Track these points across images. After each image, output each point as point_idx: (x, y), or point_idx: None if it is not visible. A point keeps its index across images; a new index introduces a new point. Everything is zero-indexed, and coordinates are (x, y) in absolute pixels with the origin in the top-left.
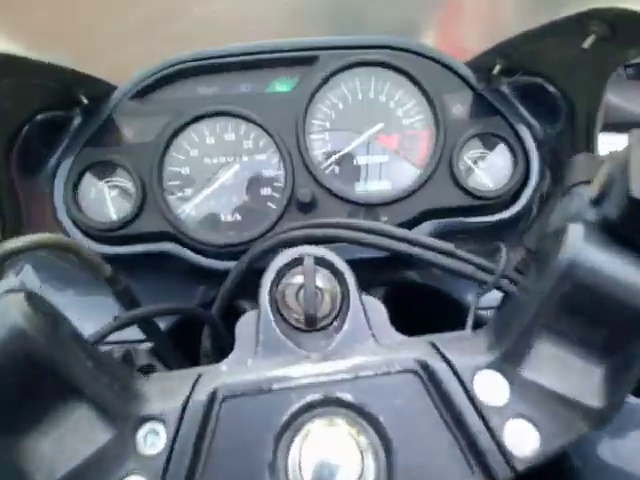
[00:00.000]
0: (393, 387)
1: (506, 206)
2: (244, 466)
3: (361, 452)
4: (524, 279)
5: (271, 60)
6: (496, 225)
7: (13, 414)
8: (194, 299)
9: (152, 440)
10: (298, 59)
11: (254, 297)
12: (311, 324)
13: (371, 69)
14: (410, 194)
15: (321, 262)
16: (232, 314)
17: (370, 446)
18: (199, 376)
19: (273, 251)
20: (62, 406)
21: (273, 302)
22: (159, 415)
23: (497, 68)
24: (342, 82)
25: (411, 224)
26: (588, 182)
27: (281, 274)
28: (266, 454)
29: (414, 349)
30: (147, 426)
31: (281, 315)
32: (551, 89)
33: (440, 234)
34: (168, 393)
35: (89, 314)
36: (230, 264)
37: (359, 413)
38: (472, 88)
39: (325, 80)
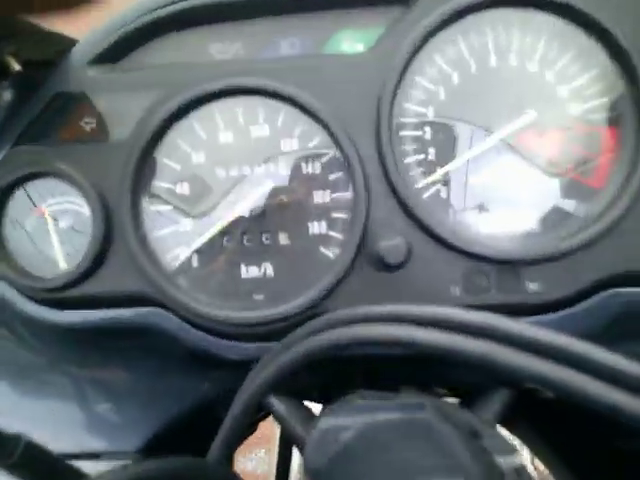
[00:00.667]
0: None
1: None
2: None
3: None
4: None
5: None
6: None
7: None
8: (192, 395)
9: None
10: None
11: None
12: None
13: (513, 12)
14: (583, 246)
15: None
16: None
17: None
18: None
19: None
20: None
21: None
22: None
23: None
24: (460, 36)
25: (578, 298)
26: None
27: None
28: None
29: None
30: None
31: None
32: None
33: (621, 316)
34: None
35: None
36: (250, 349)
37: None
38: None
39: (433, 31)
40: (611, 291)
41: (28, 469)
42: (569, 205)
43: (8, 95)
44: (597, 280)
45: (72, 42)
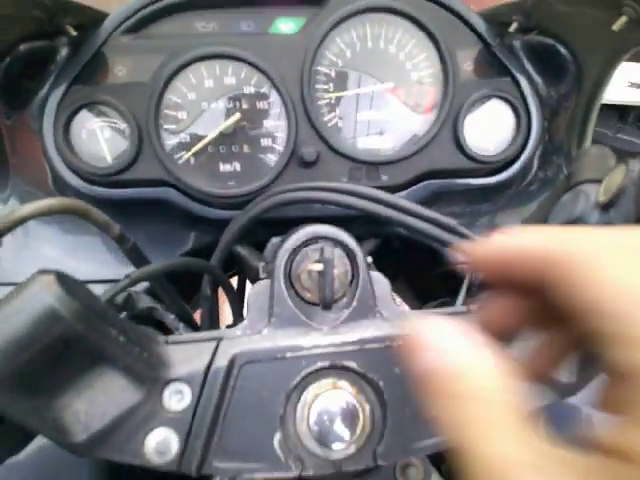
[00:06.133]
0: (393, 358)
1: (502, 169)
2: (259, 418)
3: (359, 406)
4: None
5: None
6: (489, 187)
7: (47, 380)
8: (186, 244)
9: (178, 399)
10: None
11: (249, 243)
12: (326, 306)
13: (383, 16)
14: (412, 154)
15: (335, 241)
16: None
17: (368, 402)
18: (218, 342)
19: (273, 209)
20: (94, 373)
21: (287, 278)
22: (185, 378)
23: (514, 26)
24: (352, 27)
25: (410, 184)
26: (597, 181)
27: (297, 250)
28: (278, 409)
29: None
30: (173, 387)
31: (295, 290)
32: (562, 51)
33: (434, 194)
34: (191, 359)
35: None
36: (227, 213)
37: (362, 378)
38: (485, 43)
39: (336, 24)
40: (426, 182)
41: (134, 254)
42: (411, 134)
43: (65, 50)
44: (418, 174)
45: (103, 14)
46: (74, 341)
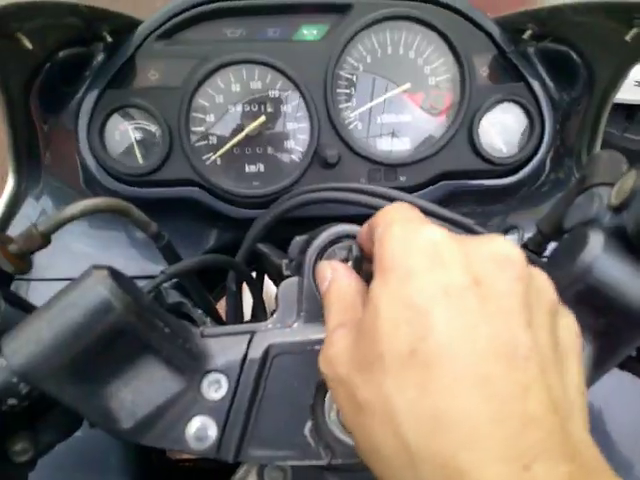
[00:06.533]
0: None
1: (515, 171)
2: (291, 408)
3: None
4: (542, 264)
5: (301, 5)
6: (502, 188)
7: (98, 368)
8: (209, 242)
9: (215, 388)
10: (330, 6)
11: (270, 241)
12: None
13: (403, 23)
14: (429, 156)
15: None
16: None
17: None
18: (252, 335)
19: (297, 209)
20: (140, 363)
21: None
22: (222, 369)
23: (528, 33)
24: (373, 34)
25: (427, 185)
26: (610, 184)
27: (325, 248)
28: (308, 399)
29: None
30: (211, 377)
31: None
32: (575, 57)
33: (451, 195)
34: (227, 350)
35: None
36: (250, 212)
37: None
38: (500, 50)
39: (357, 32)
40: (442, 183)
41: (168, 251)
42: (428, 136)
43: (101, 55)
44: (435, 175)
45: (137, 21)
46: (125, 331)
